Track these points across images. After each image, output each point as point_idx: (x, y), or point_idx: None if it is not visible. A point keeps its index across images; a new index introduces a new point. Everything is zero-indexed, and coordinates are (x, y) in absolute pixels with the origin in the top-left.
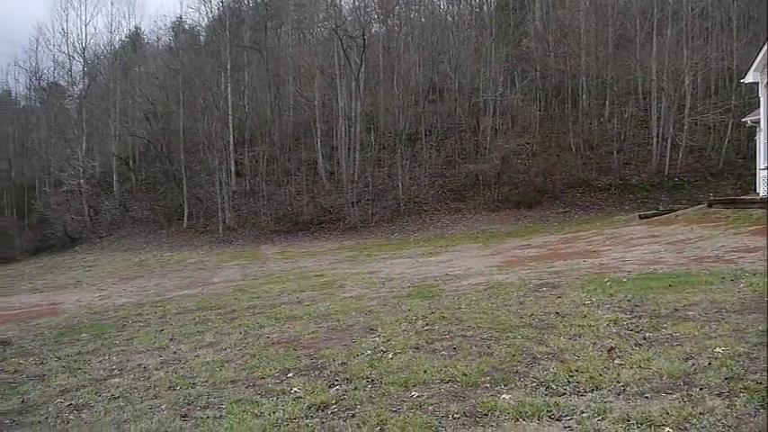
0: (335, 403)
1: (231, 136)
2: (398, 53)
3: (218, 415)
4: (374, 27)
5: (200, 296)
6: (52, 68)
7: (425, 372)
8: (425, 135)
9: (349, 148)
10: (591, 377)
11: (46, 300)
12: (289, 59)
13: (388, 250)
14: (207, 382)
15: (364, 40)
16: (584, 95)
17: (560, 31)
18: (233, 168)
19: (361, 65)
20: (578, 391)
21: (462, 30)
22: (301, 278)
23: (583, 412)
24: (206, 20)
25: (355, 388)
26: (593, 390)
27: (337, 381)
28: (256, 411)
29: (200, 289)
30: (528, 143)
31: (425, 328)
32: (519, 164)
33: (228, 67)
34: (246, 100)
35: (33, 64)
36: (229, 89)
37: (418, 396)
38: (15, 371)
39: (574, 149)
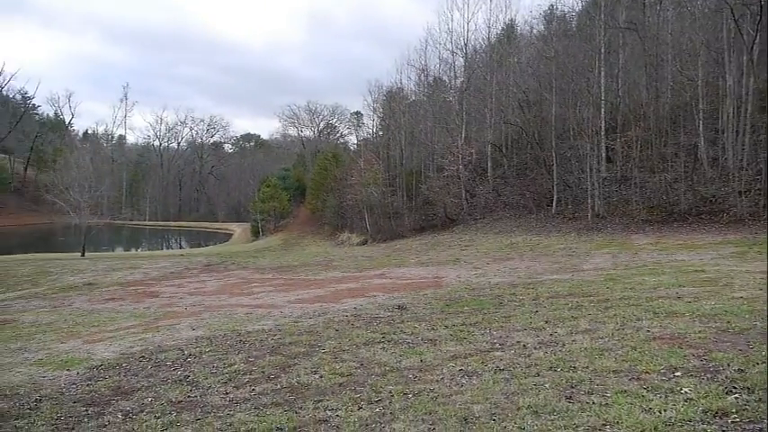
0: (736, 413)
1: (603, 121)
2: None
3: (604, 403)
4: None
5: (570, 282)
6: (437, 65)
7: None
8: None
9: (737, 131)
10: None
11: (430, 273)
12: (668, 37)
13: None
14: (587, 368)
15: (761, 5)
16: None
17: None
18: (604, 154)
19: (755, 36)
20: None
21: None
22: (678, 272)
23: None
24: (580, 5)
25: (759, 399)
26: None
27: (735, 388)
28: (644, 406)
29: (570, 275)
30: None
31: None
32: None
33: (602, 51)
34: (620, 83)
35: (422, 62)
36: (602, 73)
37: None
38: (412, 333)
39: None
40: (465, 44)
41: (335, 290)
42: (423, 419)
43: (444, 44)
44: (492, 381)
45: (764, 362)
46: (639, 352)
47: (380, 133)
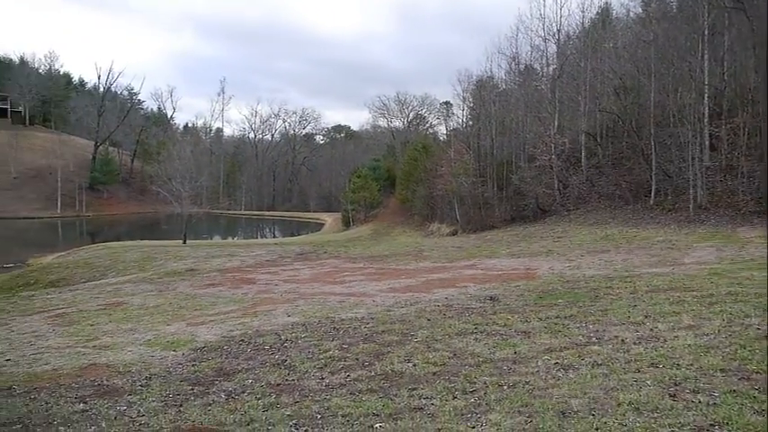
0: None
1: (706, 107)
2: None
3: (711, 402)
4: None
5: (671, 276)
6: (529, 53)
7: None
8: None
9: None
10: None
11: (522, 265)
12: None
13: None
14: (692, 365)
15: None
16: None
17: None
18: (707, 142)
19: None
20: None
21: None
22: None
23: None
24: None
25: None
26: None
27: None
28: (756, 407)
29: (671, 268)
30: None
31: None
32: None
33: (705, 33)
34: (725, 66)
35: (513, 50)
36: (706, 56)
37: None
38: (505, 324)
39: None
40: (558, 30)
41: (426, 280)
42: (519, 411)
43: (536, 31)
44: (590, 375)
45: None
46: (749, 350)
47: (470, 123)
